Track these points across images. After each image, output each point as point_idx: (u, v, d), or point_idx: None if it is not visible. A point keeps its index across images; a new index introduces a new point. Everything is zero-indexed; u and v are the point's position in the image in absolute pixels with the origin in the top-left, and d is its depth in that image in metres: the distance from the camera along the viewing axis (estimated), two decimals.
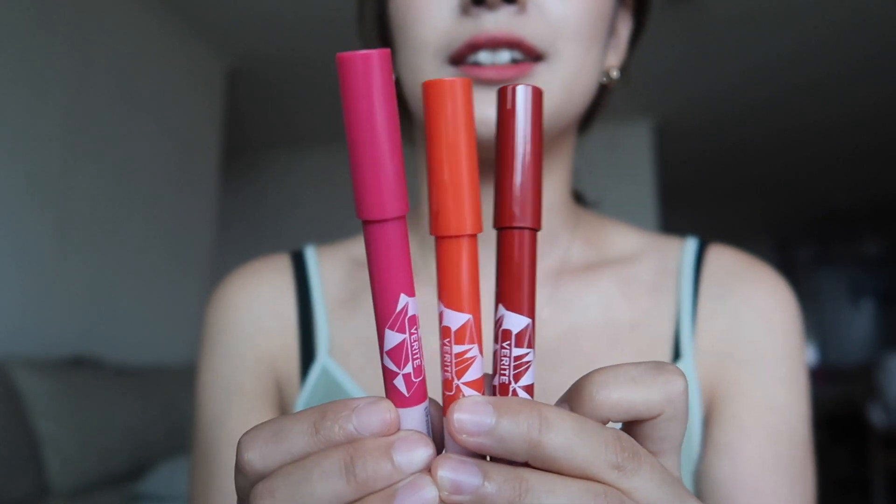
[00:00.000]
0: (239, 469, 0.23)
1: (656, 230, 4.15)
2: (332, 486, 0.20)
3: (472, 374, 0.22)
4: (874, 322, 7.00)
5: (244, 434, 0.23)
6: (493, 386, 0.23)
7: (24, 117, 2.14)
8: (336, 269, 0.52)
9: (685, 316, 0.47)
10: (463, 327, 0.21)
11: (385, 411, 0.21)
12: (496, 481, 0.20)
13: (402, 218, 0.20)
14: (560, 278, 0.49)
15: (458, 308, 0.21)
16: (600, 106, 0.52)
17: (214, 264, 3.13)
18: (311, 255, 0.53)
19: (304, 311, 0.50)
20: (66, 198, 2.31)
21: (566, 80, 0.42)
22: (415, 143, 0.53)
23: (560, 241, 0.50)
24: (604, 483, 0.21)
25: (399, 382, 0.22)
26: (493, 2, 0.40)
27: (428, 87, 0.20)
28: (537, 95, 0.21)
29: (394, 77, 0.51)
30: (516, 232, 0.21)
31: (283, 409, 0.50)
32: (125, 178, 2.58)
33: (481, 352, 0.22)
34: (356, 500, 0.21)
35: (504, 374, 0.22)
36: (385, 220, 0.20)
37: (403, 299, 0.21)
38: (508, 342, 0.22)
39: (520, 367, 0.22)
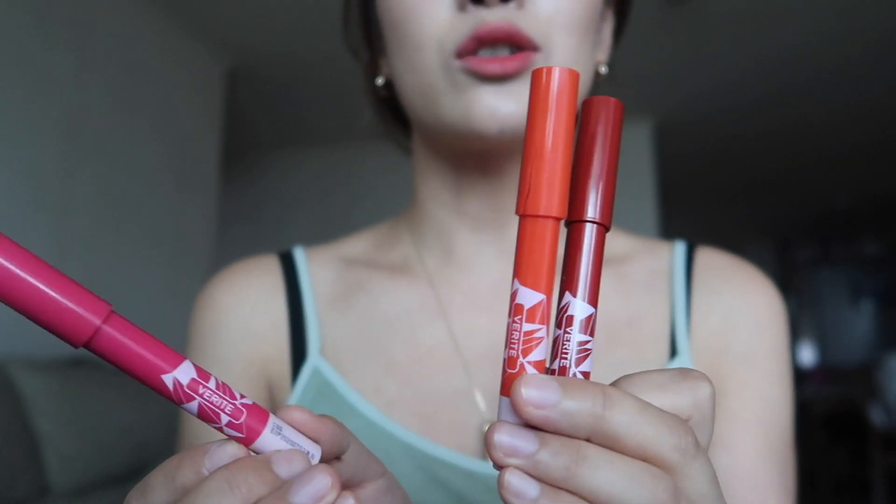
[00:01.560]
0: None
1: (656, 230, 4.14)
2: (220, 502, 0.21)
3: (538, 354, 0.22)
4: (874, 322, 7.00)
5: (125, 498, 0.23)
6: (552, 370, 0.23)
7: (24, 117, 2.14)
8: (326, 269, 0.52)
9: (680, 313, 0.48)
10: (536, 306, 0.22)
11: (233, 450, 0.22)
12: (552, 448, 0.20)
13: (110, 315, 0.21)
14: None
15: (534, 287, 0.22)
16: None
17: (214, 265, 3.13)
18: (301, 255, 0.53)
19: (294, 311, 0.50)
20: (66, 198, 2.31)
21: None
22: (408, 152, 0.53)
23: None
24: (664, 464, 0.21)
25: (229, 432, 0.22)
26: None
27: (537, 73, 0.22)
28: (618, 108, 0.23)
29: (381, 81, 0.50)
30: (588, 225, 0.22)
31: (275, 410, 0.49)
32: (125, 178, 2.58)
33: (548, 335, 0.22)
34: None
35: (565, 358, 0.22)
36: (99, 328, 0.21)
37: (168, 378, 0.22)
38: (572, 328, 0.22)
39: (582, 353, 0.22)
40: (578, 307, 0.22)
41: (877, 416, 3.95)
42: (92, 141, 2.42)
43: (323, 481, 0.21)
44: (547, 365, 0.23)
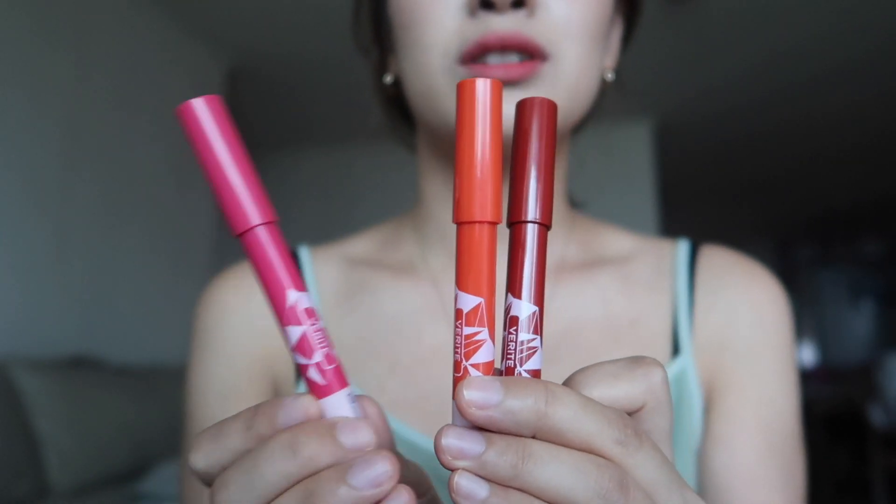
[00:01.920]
0: (193, 472, 0.24)
1: (655, 230, 4.14)
2: (280, 467, 0.21)
3: (481, 356, 0.22)
4: (874, 322, 7.00)
5: (193, 441, 0.24)
6: (500, 370, 0.23)
7: (23, 117, 2.14)
8: (330, 269, 0.52)
9: (682, 312, 0.48)
10: (474, 310, 0.22)
11: (307, 405, 0.22)
12: (498, 447, 0.21)
13: (268, 224, 0.23)
14: (559, 275, 0.50)
15: (471, 291, 0.22)
16: (596, 108, 0.53)
17: (214, 264, 3.13)
18: (305, 254, 0.53)
19: None
20: (66, 198, 2.31)
21: (571, 80, 0.43)
22: (414, 150, 0.53)
23: (557, 240, 0.51)
24: (608, 457, 0.22)
25: (313, 373, 0.23)
26: (501, 5, 0.40)
27: (461, 86, 0.22)
28: (551, 109, 0.23)
29: (390, 79, 0.50)
30: (528, 226, 0.23)
31: None
32: (124, 178, 2.58)
33: (492, 337, 0.23)
34: (307, 478, 0.21)
35: (510, 359, 0.23)
36: (253, 228, 0.22)
37: (293, 295, 0.22)
38: (515, 328, 0.23)
39: (527, 352, 0.23)
40: (521, 307, 0.23)
41: (877, 416, 3.94)
42: (92, 140, 2.42)
43: (384, 468, 0.21)
44: (501, 366, 0.23)
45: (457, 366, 0.22)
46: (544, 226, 0.23)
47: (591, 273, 0.50)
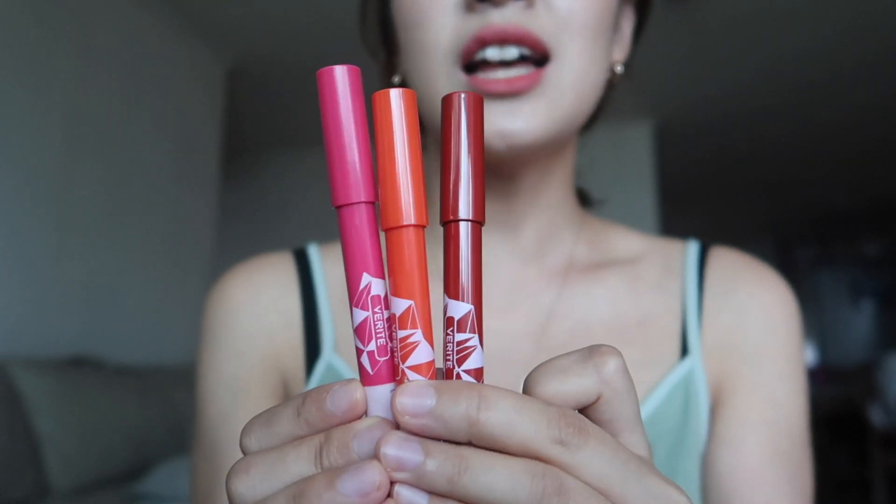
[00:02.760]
0: (243, 452, 0.24)
1: (657, 230, 4.15)
2: (303, 468, 0.22)
3: (416, 358, 0.22)
4: (874, 322, 7.00)
5: (246, 424, 0.24)
6: (441, 372, 0.23)
7: (24, 117, 2.14)
8: (340, 267, 0.52)
9: (691, 313, 0.48)
10: (406, 312, 0.22)
11: (353, 391, 0.22)
12: (436, 458, 0.20)
13: (368, 203, 0.23)
14: (568, 275, 0.50)
15: (402, 295, 0.22)
16: (606, 102, 0.52)
17: (214, 264, 3.13)
18: (315, 252, 0.53)
19: (308, 307, 0.50)
20: (66, 197, 2.31)
21: (576, 78, 0.42)
22: (428, 150, 0.53)
23: (565, 240, 0.50)
24: (547, 459, 0.21)
25: (364, 360, 0.23)
26: None
27: (374, 98, 0.23)
28: (477, 103, 0.23)
29: (397, 80, 0.50)
30: (459, 224, 0.23)
31: None
32: (125, 177, 2.58)
33: (427, 338, 0.23)
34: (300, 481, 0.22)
35: (448, 360, 0.23)
36: (351, 204, 0.22)
37: (366, 278, 0.23)
38: (451, 328, 0.23)
39: (462, 352, 0.23)
40: (456, 307, 0.23)
41: (877, 416, 3.94)
42: (93, 139, 2.42)
43: (372, 478, 0.21)
44: (441, 368, 0.23)
45: (395, 370, 0.23)
46: (477, 223, 0.23)
47: (599, 273, 0.50)
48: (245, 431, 0.24)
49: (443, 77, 0.42)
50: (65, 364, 2.08)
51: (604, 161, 3.80)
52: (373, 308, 0.23)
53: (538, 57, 0.41)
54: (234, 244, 4.09)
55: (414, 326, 0.22)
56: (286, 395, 0.50)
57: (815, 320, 7.01)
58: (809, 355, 6.98)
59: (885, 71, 3.23)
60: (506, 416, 0.21)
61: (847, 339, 6.98)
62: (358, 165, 0.22)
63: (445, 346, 0.23)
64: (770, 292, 0.49)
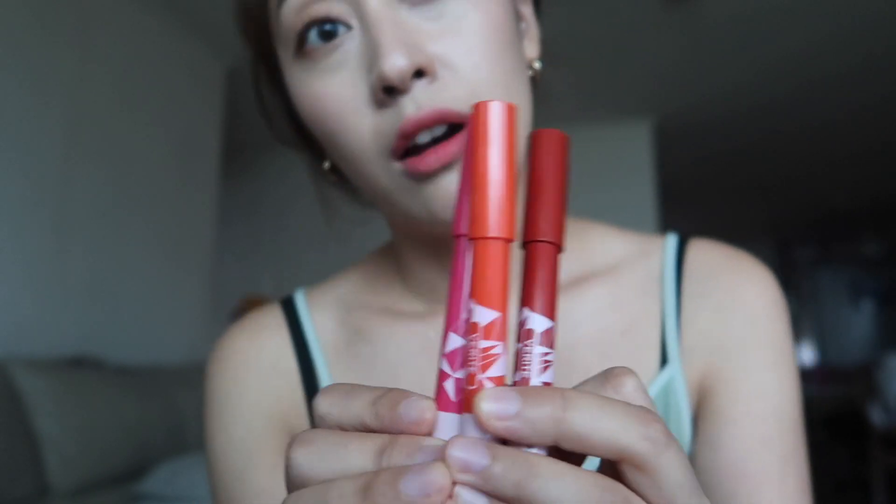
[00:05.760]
0: (314, 412, 0.25)
1: (656, 230, 4.15)
2: (361, 463, 0.22)
3: (496, 370, 0.22)
4: (874, 322, 7.00)
5: (328, 386, 0.25)
6: (515, 382, 0.23)
7: (25, 117, 2.14)
8: (327, 317, 0.52)
9: (670, 319, 0.48)
10: (492, 324, 0.23)
11: (426, 409, 0.23)
12: (504, 462, 0.21)
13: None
14: None
15: (489, 305, 0.23)
16: (539, 100, 0.50)
17: (214, 264, 3.13)
18: (302, 302, 0.53)
19: (304, 363, 0.50)
20: (67, 197, 2.31)
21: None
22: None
23: None
24: (635, 457, 0.21)
25: (449, 385, 0.23)
26: (403, 86, 0.38)
27: (476, 108, 0.23)
28: (562, 141, 0.25)
29: (328, 165, 0.48)
30: (542, 245, 0.24)
31: None
32: (125, 177, 2.59)
33: (505, 352, 0.23)
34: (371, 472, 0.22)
35: (526, 369, 0.23)
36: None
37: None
38: (531, 340, 0.23)
39: (543, 365, 0.23)
40: (537, 321, 0.23)
41: (877, 416, 3.94)
42: (93, 139, 2.42)
43: (437, 478, 0.21)
44: (507, 381, 0.23)
45: (470, 379, 0.22)
46: (556, 245, 0.24)
47: (581, 289, 0.49)
48: (324, 393, 0.25)
49: (379, 172, 0.41)
50: (65, 364, 2.08)
51: (603, 160, 3.80)
52: (471, 337, 0.23)
53: (465, 120, 0.40)
54: (235, 243, 4.09)
55: (499, 339, 0.23)
56: None
57: (815, 320, 7.01)
58: (809, 355, 6.98)
59: (885, 70, 3.23)
60: (592, 415, 0.21)
61: (847, 339, 6.98)
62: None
63: (522, 357, 0.23)
64: (749, 284, 0.48)
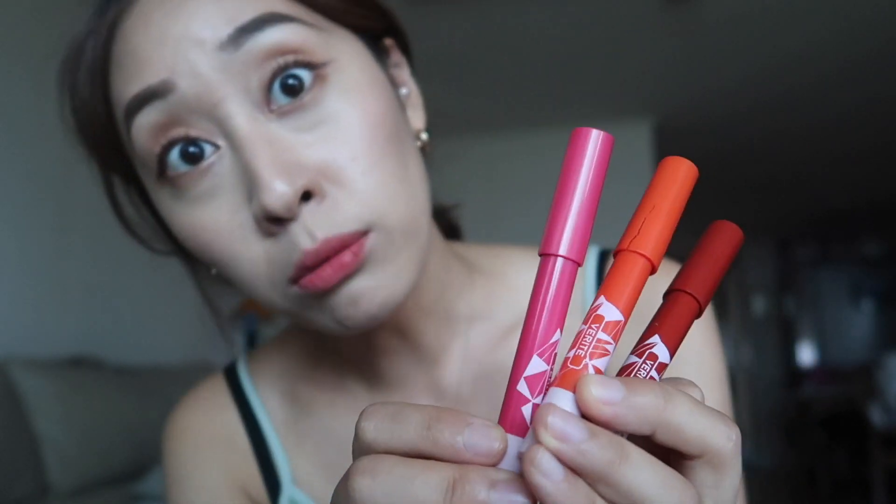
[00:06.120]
0: (356, 434, 0.24)
1: None
2: (430, 498, 0.22)
3: (601, 363, 0.23)
4: (874, 322, 7.00)
5: (369, 406, 0.24)
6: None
7: (25, 115, 2.14)
8: (272, 393, 0.51)
9: None
10: (615, 323, 0.24)
11: (495, 439, 0.22)
12: (601, 441, 0.21)
13: (574, 262, 0.24)
14: (482, 360, 0.47)
15: (619, 306, 0.24)
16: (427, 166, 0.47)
17: None
18: (245, 375, 0.52)
19: (256, 439, 0.50)
20: (67, 197, 2.31)
21: (402, 218, 0.38)
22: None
23: (460, 330, 0.48)
24: (718, 452, 0.23)
25: (527, 410, 0.23)
26: (290, 215, 0.34)
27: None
28: (739, 233, 0.30)
29: (216, 272, 0.45)
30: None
31: None
32: None
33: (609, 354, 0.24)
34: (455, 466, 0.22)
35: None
36: (572, 261, 0.24)
37: (558, 335, 0.24)
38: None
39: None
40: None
41: (877, 416, 3.95)
42: None
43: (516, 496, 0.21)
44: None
45: (577, 359, 0.23)
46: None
47: (505, 343, 0.47)
48: (367, 414, 0.24)
49: (277, 297, 0.38)
50: (65, 364, 2.08)
51: None
52: (553, 363, 0.24)
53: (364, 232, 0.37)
54: None
55: (615, 339, 0.24)
56: None
57: (815, 320, 7.01)
58: (809, 355, 6.98)
59: (884, 70, 3.23)
60: (689, 409, 0.22)
61: (847, 339, 6.98)
62: (587, 228, 0.25)
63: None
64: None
